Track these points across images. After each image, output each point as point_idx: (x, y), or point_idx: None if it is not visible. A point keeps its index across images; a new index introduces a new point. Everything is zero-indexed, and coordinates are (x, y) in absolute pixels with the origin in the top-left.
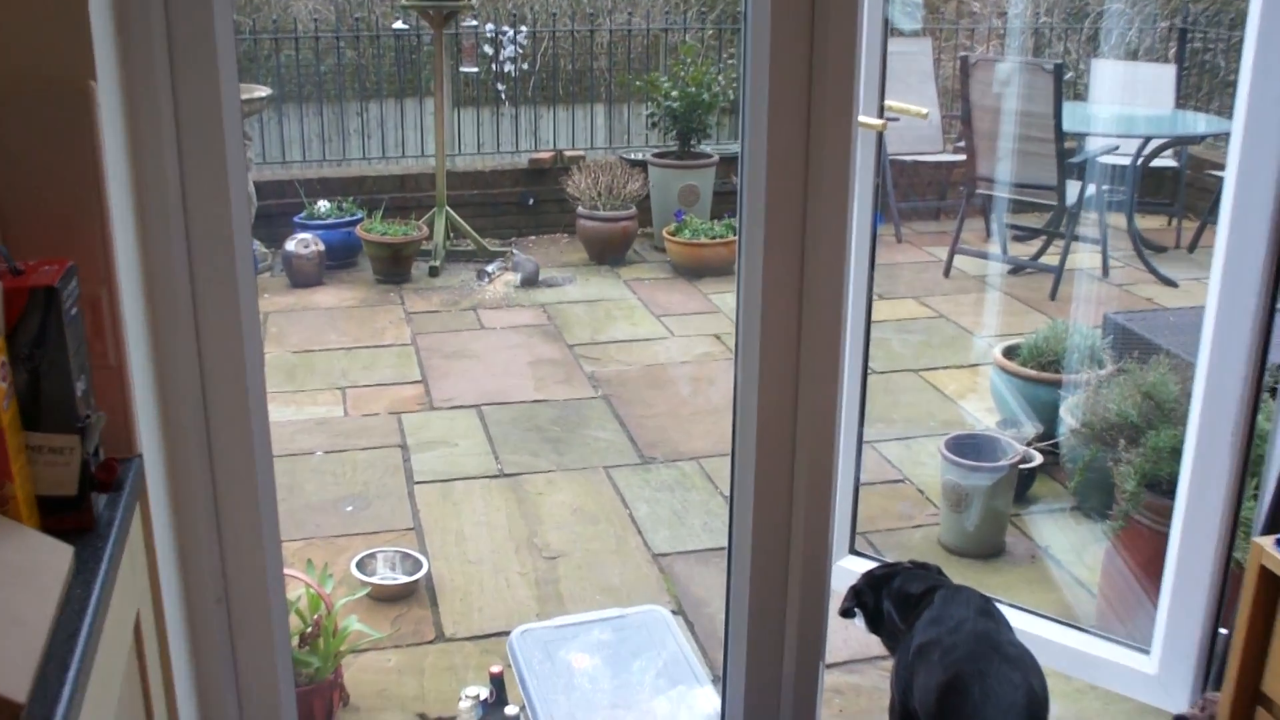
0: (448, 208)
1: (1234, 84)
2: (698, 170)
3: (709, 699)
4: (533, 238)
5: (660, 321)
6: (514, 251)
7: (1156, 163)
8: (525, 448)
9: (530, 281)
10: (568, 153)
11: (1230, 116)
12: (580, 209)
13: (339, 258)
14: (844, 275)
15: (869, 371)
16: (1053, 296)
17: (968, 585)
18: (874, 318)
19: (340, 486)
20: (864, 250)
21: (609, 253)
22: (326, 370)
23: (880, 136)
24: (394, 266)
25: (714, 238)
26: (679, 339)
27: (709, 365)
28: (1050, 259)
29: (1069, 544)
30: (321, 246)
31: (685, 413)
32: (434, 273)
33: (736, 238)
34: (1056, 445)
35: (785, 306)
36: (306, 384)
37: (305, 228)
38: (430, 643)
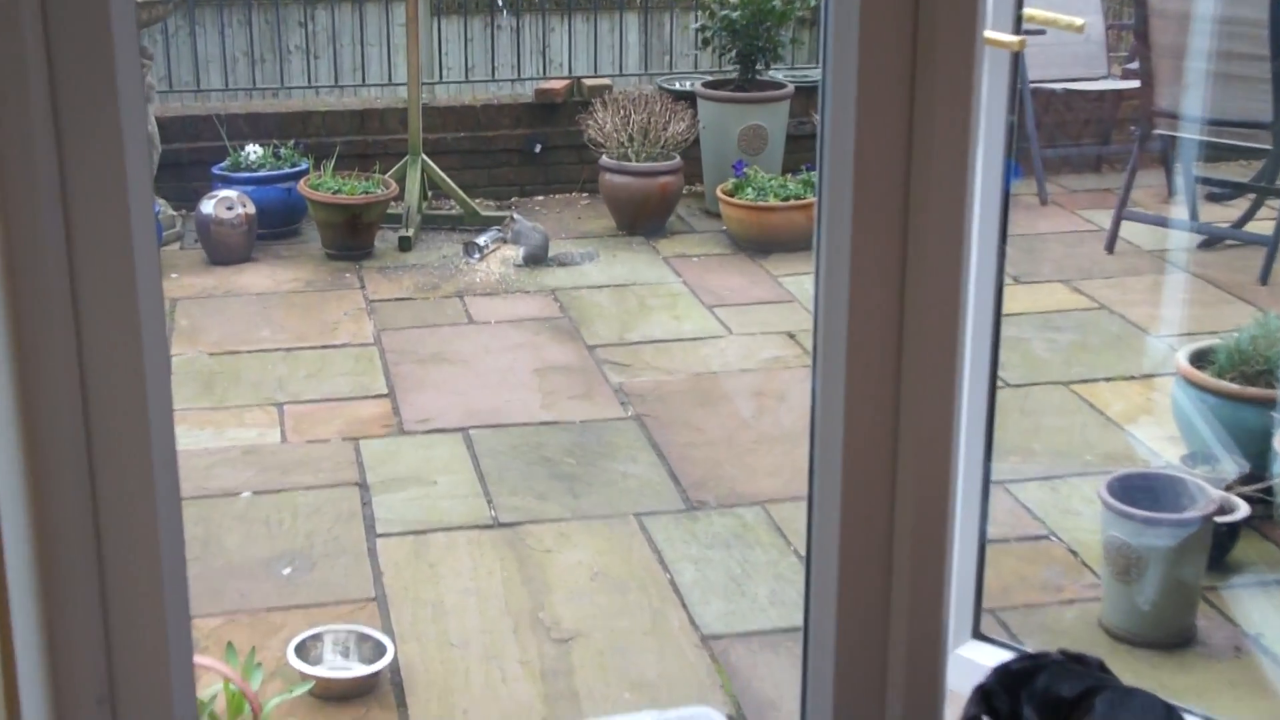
0: (424, 157)
1: None
2: (765, 106)
3: None
4: (540, 198)
5: (713, 314)
6: (514, 217)
7: None
8: (528, 487)
9: (536, 258)
10: (588, 81)
11: None
12: (605, 159)
13: (275, 224)
14: (963, 251)
15: (999, 384)
16: (1263, 280)
17: (1142, 688)
18: (1006, 310)
19: (275, 540)
20: (992, 216)
21: (644, 219)
22: (258, 379)
23: (1017, 58)
24: (350, 237)
25: (786, 199)
26: (738, 338)
27: (778, 375)
28: (1260, 227)
29: None
30: (251, 209)
31: (746, 440)
32: (405, 245)
33: (816, 199)
34: (1269, 491)
35: (882, 294)
36: (230, 398)
37: (229, 182)
38: None
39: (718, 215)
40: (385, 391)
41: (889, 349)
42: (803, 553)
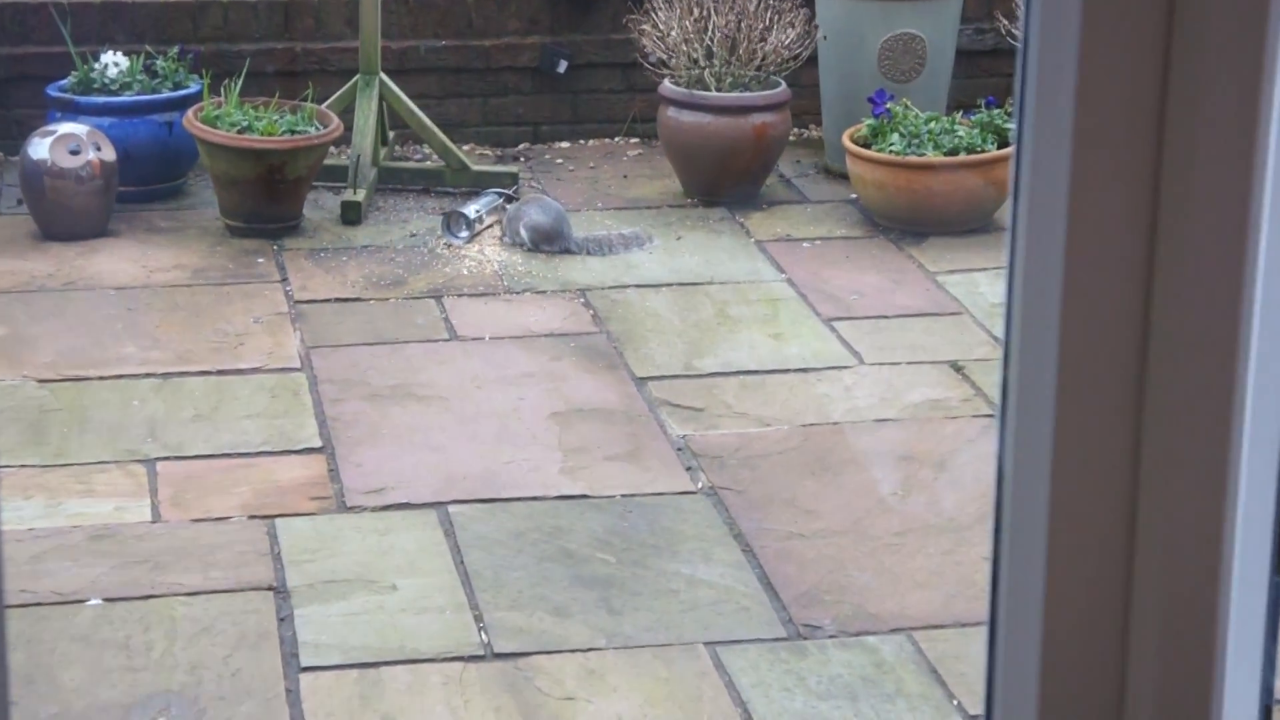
0: (384, 78)
1: None
2: (923, 3)
3: None
4: (564, 145)
5: (834, 332)
6: (522, 173)
7: None
8: (540, 598)
9: (555, 239)
10: None
11: None
12: (668, 86)
13: (147, 178)
14: (1246, 248)
15: None
16: None
17: None
18: None
19: (139, 676)
20: None
21: (727, 181)
22: (116, 421)
23: None
24: (266, 201)
25: (953, 152)
26: (873, 371)
27: (936, 429)
28: None
29: None
30: (109, 153)
31: (884, 530)
32: (353, 216)
33: (1013, 152)
34: None
35: (1115, 310)
36: (72, 451)
37: (74, 111)
38: None
39: (843, 176)
40: (318, 444)
41: (1124, 394)
42: (974, 711)
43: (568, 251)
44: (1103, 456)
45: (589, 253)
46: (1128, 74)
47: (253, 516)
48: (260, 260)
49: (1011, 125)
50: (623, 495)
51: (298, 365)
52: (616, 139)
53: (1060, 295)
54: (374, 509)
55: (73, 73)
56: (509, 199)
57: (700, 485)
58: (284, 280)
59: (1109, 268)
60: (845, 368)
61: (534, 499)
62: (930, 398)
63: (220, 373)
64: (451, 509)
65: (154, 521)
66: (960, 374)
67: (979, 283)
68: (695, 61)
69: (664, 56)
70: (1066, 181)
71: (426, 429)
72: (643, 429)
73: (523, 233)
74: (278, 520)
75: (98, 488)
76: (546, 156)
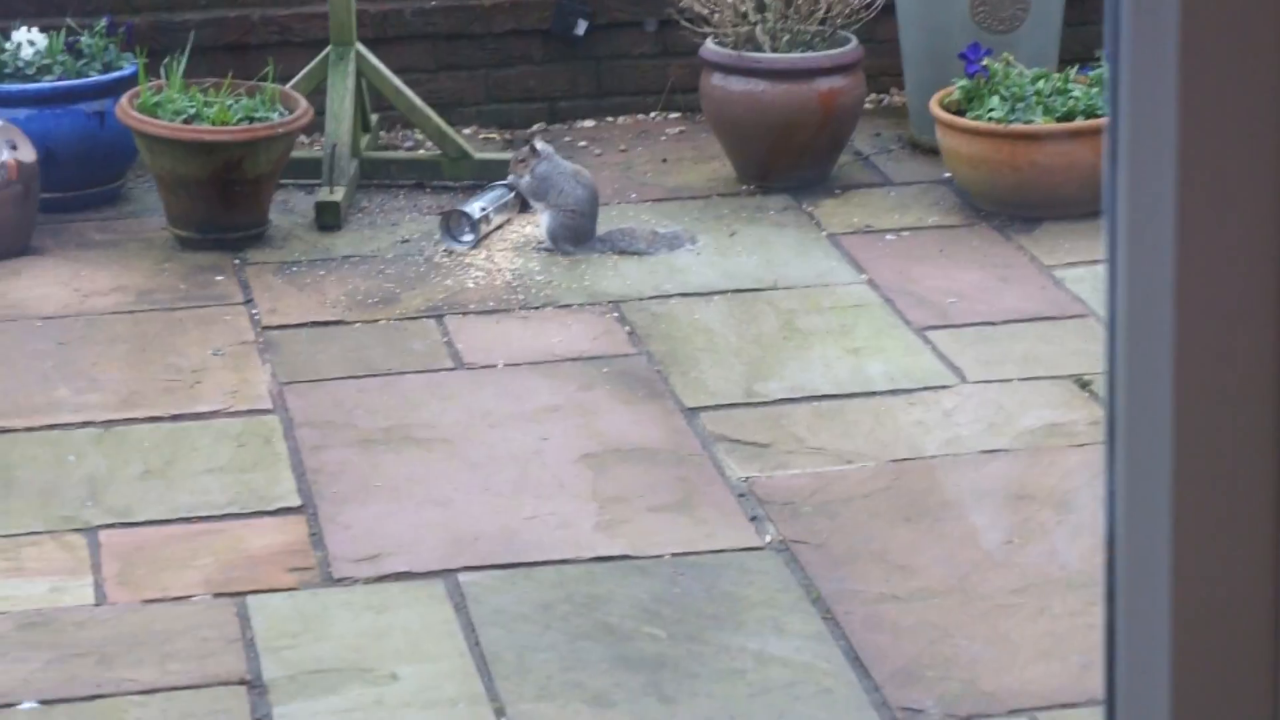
0: (361, 49)
1: None
2: None
3: None
4: (588, 124)
5: (927, 343)
6: (536, 148)
7: None
8: (575, 684)
9: (579, 237)
10: None
11: None
12: (711, 46)
13: (75, 181)
14: None
15: None
16: None
17: None
18: None
19: None
20: None
21: (789, 161)
22: (49, 482)
23: None
24: (223, 205)
25: (1068, 116)
26: (978, 390)
27: (1059, 461)
28: None
29: None
30: (28, 152)
31: (996, 589)
32: (330, 220)
33: (1107, 119)
34: None
35: (1246, 302)
36: None
37: None
38: None
39: (934, 151)
40: (296, 503)
41: (1262, 410)
42: None
43: (597, 250)
44: (1238, 494)
45: (623, 251)
46: (1244, 28)
47: (219, 594)
48: (218, 278)
49: None
50: (673, 554)
51: (269, 406)
52: (652, 115)
53: (1172, 291)
54: (367, 580)
55: None
56: (512, 196)
57: (768, 539)
58: (248, 302)
59: (1233, 255)
60: (944, 388)
61: (564, 562)
62: (1049, 422)
63: (174, 418)
64: (462, 578)
65: (98, 604)
66: (1086, 391)
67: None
68: (744, 16)
69: (706, 11)
70: (1174, 154)
71: (429, 480)
72: (695, 472)
73: (550, 225)
74: (250, 598)
75: (28, 564)
76: (567, 139)
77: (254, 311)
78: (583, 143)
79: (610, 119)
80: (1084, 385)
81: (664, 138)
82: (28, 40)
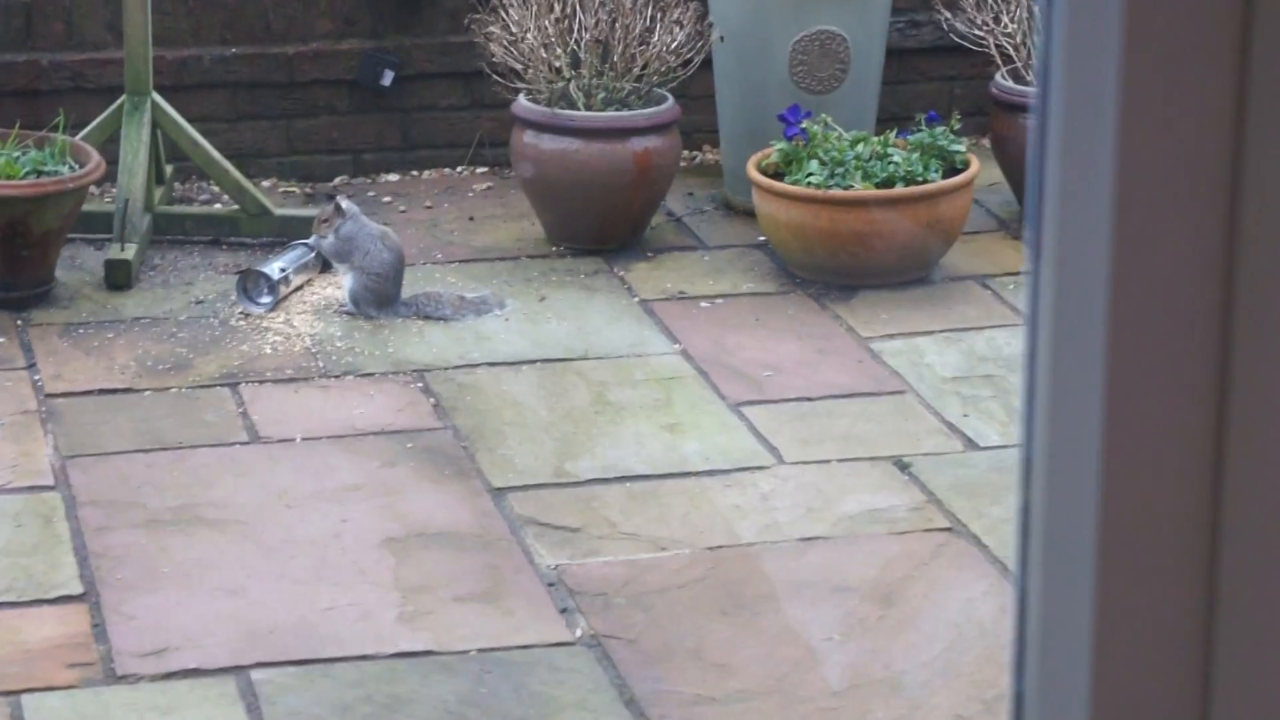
0: (157, 98)
1: None
2: None
3: None
4: (393, 179)
5: (743, 420)
6: (343, 219)
7: None
8: None
9: (382, 301)
10: None
11: None
12: (523, 103)
13: None
14: None
15: None
16: None
17: None
18: None
19: None
20: None
21: (603, 223)
22: None
23: None
24: (6, 263)
25: (887, 183)
26: (795, 471)
27: (878, 549)
28: None
29: None
30: None
31: (816, 690)
32: (121, 278)
33: (1032, 193)
34: None
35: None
36: None
37: None
38: None
39: (749, 214)
40: (78, 590)
41: (1193, 507)
42: None
43: (401, 315)
44: (1169, 599)
45: (428, 316)
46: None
47: None
48: None
49: (958, 147)
50: (479, 650)
51: (50, 482)
52: (459, 169)
53: (1102, 368)
54: (153, 677)
55: None
56: (313, 256)
57: (579, 633)
58: (30, 367)
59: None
60: (760, 468)
61: (363, 658)
62: (870, 507)
63: None
64: (255, 675)
65: None
66: (907, 474)
67: (924, 351)
68: (558, 72)
69: (517, 65)
70: (1110, 216)
71: (221, 565)
72: (503, 558)
73: (354, 287)
74: (24, 697)
75: None
76: (371, 194)
77: (36, 378)
78: (387, 198)
79: (416, 173)
80: (904, 467)
81: (471, 194)
82: None
